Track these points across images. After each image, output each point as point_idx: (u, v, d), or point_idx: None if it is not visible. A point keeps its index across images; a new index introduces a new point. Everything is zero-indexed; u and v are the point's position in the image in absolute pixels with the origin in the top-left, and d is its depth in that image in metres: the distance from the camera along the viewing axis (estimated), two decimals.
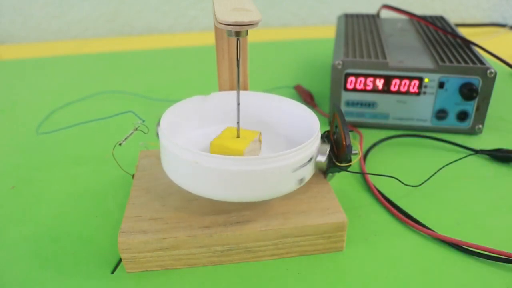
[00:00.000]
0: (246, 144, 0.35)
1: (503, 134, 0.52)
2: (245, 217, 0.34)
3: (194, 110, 0.40)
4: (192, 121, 0.40)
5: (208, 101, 0.41)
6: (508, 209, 0.40)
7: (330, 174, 0.38)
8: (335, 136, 0.36)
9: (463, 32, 0.68)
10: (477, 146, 0.49)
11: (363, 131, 0.53)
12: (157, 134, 0.35)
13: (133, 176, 0.39)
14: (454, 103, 0.50)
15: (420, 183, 0.43)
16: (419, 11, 1.01)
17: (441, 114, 0.51)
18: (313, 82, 0.67)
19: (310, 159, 0.33)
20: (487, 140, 0.51)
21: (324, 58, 0.77)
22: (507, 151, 0.46)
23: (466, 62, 0.49)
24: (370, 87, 0.51)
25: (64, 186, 0.43)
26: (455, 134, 0.52)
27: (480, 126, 0.51)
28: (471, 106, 0.50)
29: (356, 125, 0.54)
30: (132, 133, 0.36)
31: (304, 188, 0.36)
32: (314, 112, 0.38)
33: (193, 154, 0.31)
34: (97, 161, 0.47)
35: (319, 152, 0.34)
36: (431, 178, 0.43)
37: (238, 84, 0.35)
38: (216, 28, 0.37)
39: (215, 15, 0.31)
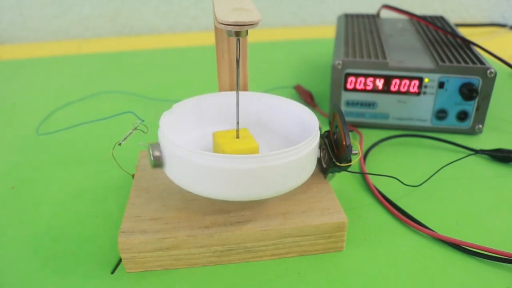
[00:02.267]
0: (238, 146, 0.35)
1: (503, 134, 0.52)
2: (245, 217, 0.34)
3: (193, 111, 0.40)
4: (191, 121, 0.40)
5: (207, 101, 0.41)
6: (508, 209, 0.40)
7: (330, 174, 0.38)
8: (335, 136, 0.36)
9: (463, 32, 0.68)
10: (477, 146, 0.49)
11: (363, 131, 0.53)
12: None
13: (133, 176, 0.39)
14: (454, 103, 0.50)
15: (420, 183, 0.43)
16: (419, 11, 1.01)
17: (441, 114, 0.51)
18: (313, 82, 0.67)
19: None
20: (487, 140, 0.51)
21: (324, 58, 0.77)
22: (507, 151, 0.46)
23: (466, 62, 0.49)
24: (370, 87, 0.51)
25: (64, 186, 0.43)
26: (455, 134, 0.52)
27: (480, 126, 0.51)
28: (471, 106, 0.50)
29: (356, 125, 0.54)
30: (131, 132, 0.36)
31: (304, 188, 0.36)
32: (314, 112, 0.38)
33: (188, 152, 0.31)
34: (97, 161, 0.47)
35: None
36: (431, 178, 0.43)
37: (237, 84, 0.35)
38: (216, 28, 0.37)
39: (215, 15, 0.31)
